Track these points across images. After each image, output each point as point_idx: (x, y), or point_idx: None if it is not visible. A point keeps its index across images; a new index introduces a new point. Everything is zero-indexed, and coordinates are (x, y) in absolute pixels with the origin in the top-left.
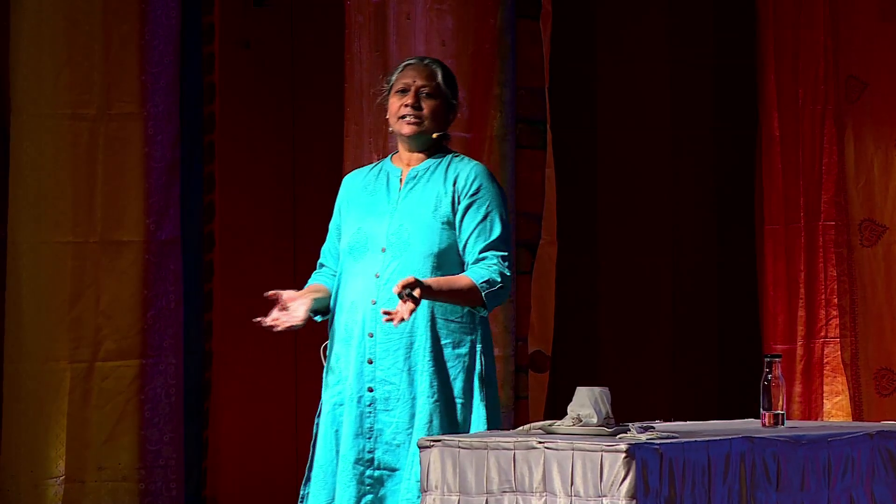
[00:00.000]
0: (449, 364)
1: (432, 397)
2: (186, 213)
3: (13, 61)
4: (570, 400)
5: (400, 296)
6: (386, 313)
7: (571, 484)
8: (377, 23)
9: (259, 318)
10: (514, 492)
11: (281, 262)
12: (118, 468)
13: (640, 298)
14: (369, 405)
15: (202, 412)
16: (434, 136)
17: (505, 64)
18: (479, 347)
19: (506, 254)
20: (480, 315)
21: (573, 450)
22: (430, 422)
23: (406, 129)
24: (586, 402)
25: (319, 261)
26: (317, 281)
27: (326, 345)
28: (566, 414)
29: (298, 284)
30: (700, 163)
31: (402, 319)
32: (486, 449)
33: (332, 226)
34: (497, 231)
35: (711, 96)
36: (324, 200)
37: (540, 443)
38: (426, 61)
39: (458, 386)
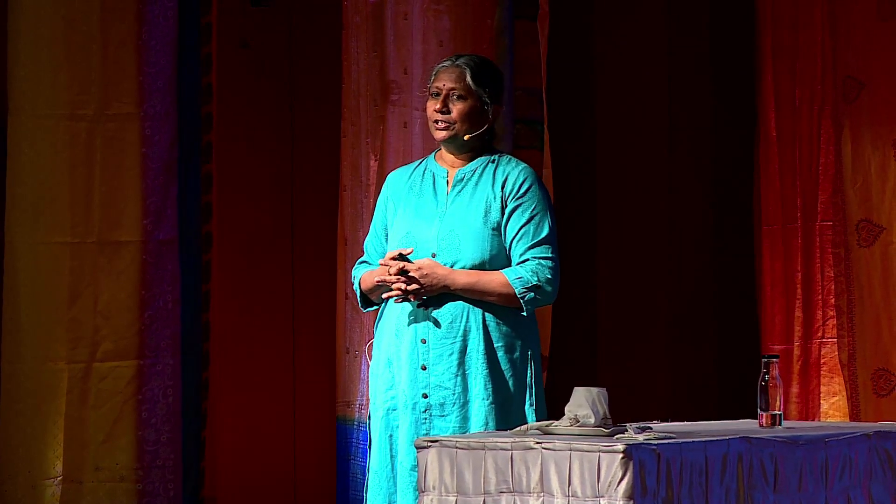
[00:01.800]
0: (502, 367)
1: (487, 399)
2: (184, 214)
3: (11, 61)
4: (568, 400)
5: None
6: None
7: (569, 484)
8: (374, 23)
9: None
10: (511, 492)
11: (279, 263)
12: (116, 468)
13: (638, 299)
14: (424, 411)
15: (200, 413)
16: (466, 137)
17: (503, 64)
18: (529, 352)
19: (550, 256)
20: (521, 315)
21: (570, 450)
22: (486, 424)
23: (437, 135)
24: (584, 402)
25: (363, 257)
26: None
27: (372, 343)
28: (564, 414)
29: (297, 285)
30: (698, 163)
31: (403, 298)
32: (483, 449)
33: (376, 223)
34: (542, 234)
35: (709, 96)
36: (321, 201)
37: (537, 443)
38: (458, 61)
39: (511, 389)
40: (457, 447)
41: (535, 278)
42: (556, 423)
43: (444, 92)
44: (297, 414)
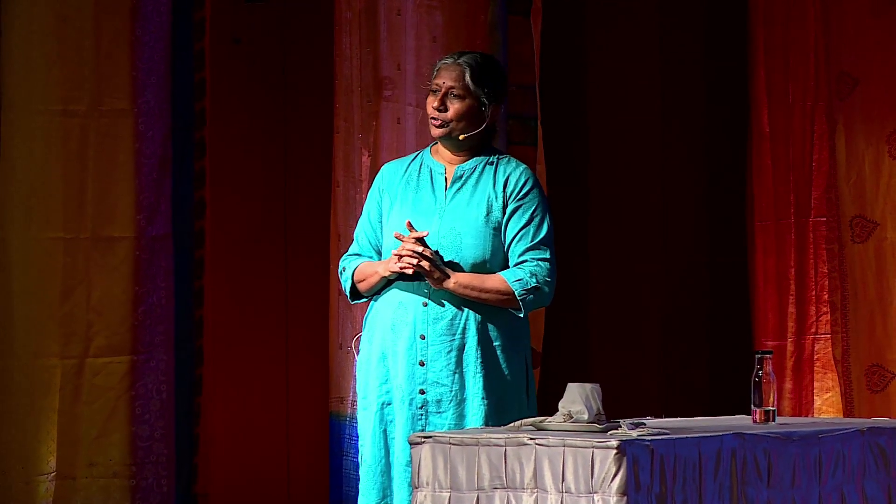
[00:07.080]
0: (500, 366)
1: (484, 398)
2: (177, 210)
3: (4, 57)
4: (562, 396)
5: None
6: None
7: (562, 480)
8: (367, 19)
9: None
10: (505, 488)
11: (272, 259)
12: (109, 464)
13: (631, 295)
14: (420, 407)
15: (193, 408)
16: (461, 137)
17: None
18: (525, 353)
19: (548, 257)
20: (518, 317)
21: (564, 446)
22: (483, 423)
23: (433, 132)
24: (577, 398)
25: (355, 251)
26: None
27: (359, 337)
28: (557, 410)
29: (290, 281)
30: (691, 159)
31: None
32: (477, 445)
33: (370, 214)
34: (541, 235)
35: (702, 92)
36: (314, 196)
37: (531, 439)
38: (460, 59)
39: (507, 389)
40: (450, 443)
41: (534, 280)
42: (549, 419)
43: (442, 89)
44: (290, 410)
